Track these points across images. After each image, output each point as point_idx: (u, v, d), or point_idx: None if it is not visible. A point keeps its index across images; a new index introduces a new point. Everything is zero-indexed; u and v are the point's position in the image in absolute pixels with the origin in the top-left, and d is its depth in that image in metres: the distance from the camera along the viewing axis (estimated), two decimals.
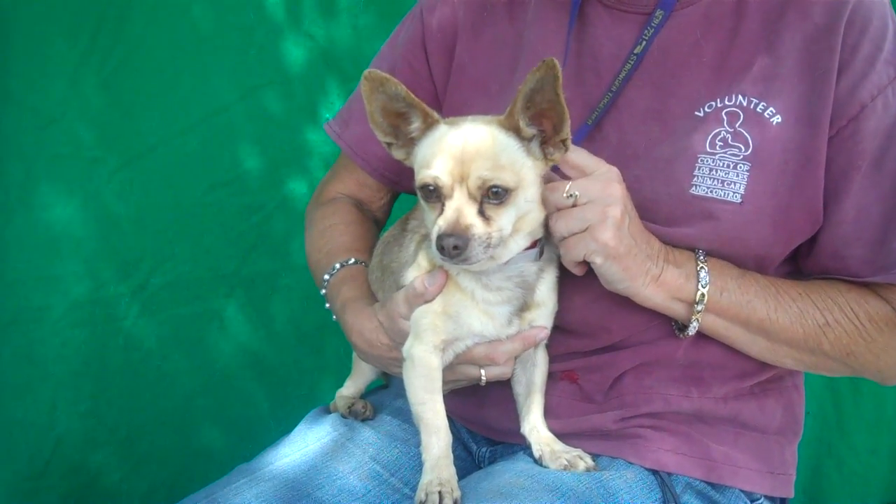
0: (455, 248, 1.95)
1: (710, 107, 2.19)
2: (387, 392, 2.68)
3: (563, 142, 2.03)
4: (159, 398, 3.68)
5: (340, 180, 2.80)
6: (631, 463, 2.22)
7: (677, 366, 2.28)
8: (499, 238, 2.01)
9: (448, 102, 2.51)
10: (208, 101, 3.64)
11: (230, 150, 3.68)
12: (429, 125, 2.10)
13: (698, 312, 2.15)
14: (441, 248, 1.96)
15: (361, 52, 3.64)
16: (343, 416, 2.56)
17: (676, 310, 2.18)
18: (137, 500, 3.64)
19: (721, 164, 2.15)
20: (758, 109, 2.16)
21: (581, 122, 2.26)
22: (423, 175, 2.03)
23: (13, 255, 3.48)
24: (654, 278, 2.12)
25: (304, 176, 3.73)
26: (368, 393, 2.70)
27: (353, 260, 2.52)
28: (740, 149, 2.15)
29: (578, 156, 2.08)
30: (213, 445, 3.73)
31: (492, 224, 1.99)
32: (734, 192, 2.14)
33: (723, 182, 2.14)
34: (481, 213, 1.99)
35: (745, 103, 2.17)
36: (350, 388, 2.66)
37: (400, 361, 2.24)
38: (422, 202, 2.09)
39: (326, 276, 2.51)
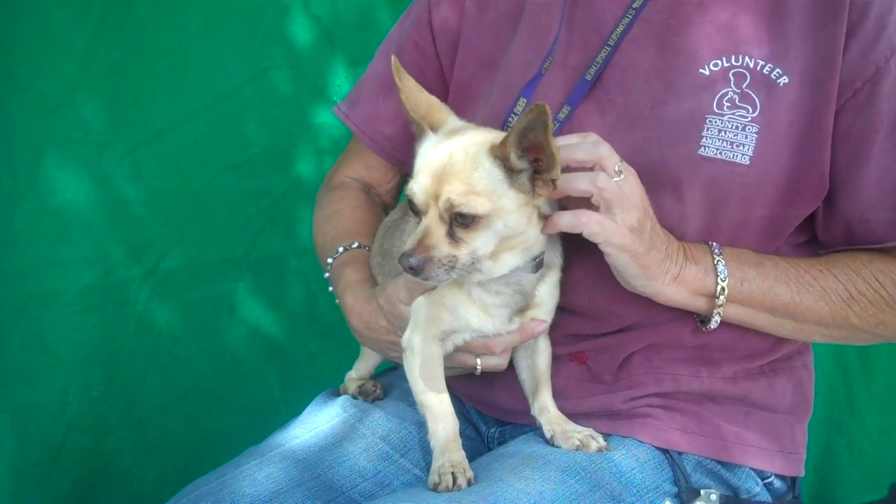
0: (410, 268, 1.96)
1: (715, 65, 2.17)
2: (396, 373, 2.68)
3: (553, 181, 1.98)
4: (170, 382, 3.69)
5: (349, 164, 2.80)
6: (642, 442, 2.22)
7: (686, 347, 2.28)
8: (469, 260, 1.99)
9: (455, 80, 2.51)
10: (216, 84, 3.62)
11: (238, 134, 3.67)
12: (420, 132, 2.13)
13: (719, 306, 2.15)
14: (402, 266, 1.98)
15: (369, 35, 3.61)
16: (353, 398, 2.57)
17: (699, 305, 2.18)
18: (149, 484, 3.64)
19: (730, 126, 2.14)
20: (765, 70, 2.15)
21: (580, 78, 2.25)
22: (407, 188, 2.04)
23: (23, 241, 3.48)
24: (673, 277, 2.12)
25: (312, 159, 3.72)
26: (378, 375, 2.70)
27: (356, 244, 2.52)
28: (748, 110, 2.14)
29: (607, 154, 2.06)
30: (225, 429, 3.73)
31: (461, 246, 1.98)
32: (743, 155, 2.14)
33: (731, 144, 2.14)
34: (452, 233, 1.98)
35: (751, 64, 2.16)
36: (359, 371, 2.66)
37: (397, 346, 2.24)
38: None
39: (330, 260, 2.52)
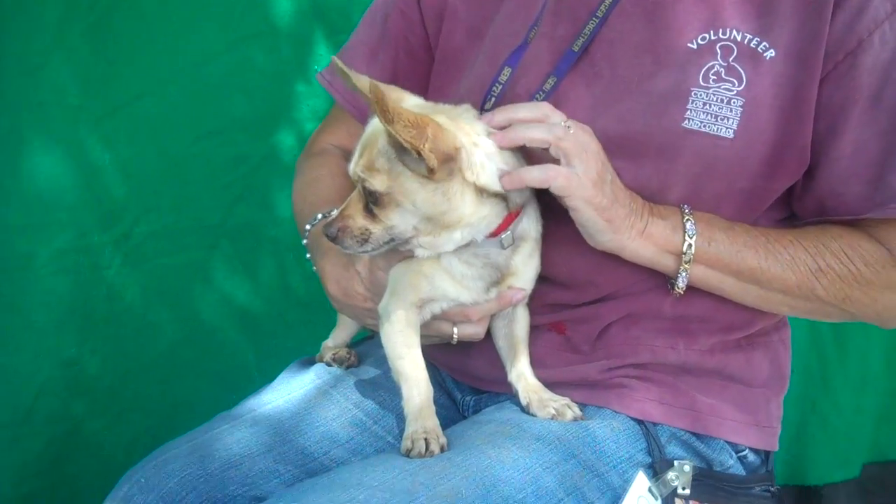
0: (328, 235, 2.05)
1: (703, 39, 2.16)
2: (372, 342, 2.67)
3: (425, 162, 1.96)
4: (143, 348, 3.66)
5: (332, 131, 2.79)
6: (617, 412, 2.21)
7: (664, 318, 2.27)
8: (385, 237, 2.05)
9: (441, 49, 2.50)
10: (195, 50, 3.59)
11: (217, 101, 3.64)
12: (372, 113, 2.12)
13: (686, 263, 2.14)
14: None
15: (351, 4, 3.60)
16: (328, 365, 2.56)
17: (667, 263, 2.17)
18: (120, 449, 3.62)
19: (715, 99, 2.13)
20: (752, 44, 2.14)
21: (567, 49, 2.24)
22: None
23: None
24: (639, 231, 2.11)
25: (291, 127, 3.70)
26: (354, 344, 2.69)
27: (335, 211, 2.50)
28: (734, 83, 2.13)
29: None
30: (197, 396, 3.71)
31: (376, 222, 2.03)
32: (727, 128, 2.12)
33: (716, 117, 2.13)
34: (369, 208, 2.03)
35: (738, 37, 2.14)
36: (335, 339, 2.66)
37: (374, 313, 2.23)
38: None
39: (308, 227, 2.50)
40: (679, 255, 2.14)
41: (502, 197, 2.07)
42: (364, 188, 2.03)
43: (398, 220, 2.03)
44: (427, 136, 1.92)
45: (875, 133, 2.12)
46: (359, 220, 2.04)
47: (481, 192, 2.04)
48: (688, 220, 2.14)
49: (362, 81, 2.09)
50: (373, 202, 2.02)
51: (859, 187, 2.15)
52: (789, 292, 2.18)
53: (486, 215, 2.07)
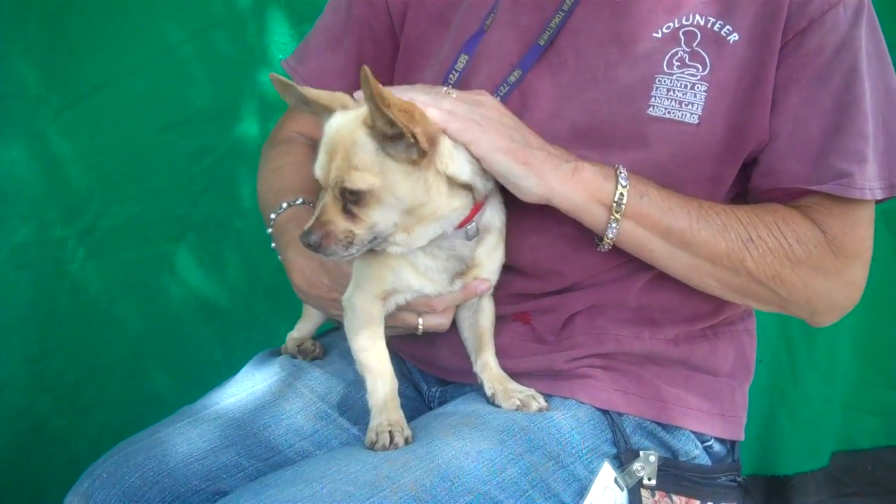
0: (309, 245, 1.97)
1: (668, 27, 2.15)
2: (337, 334, 2.65)
3: (416, 142, 1.92)
4: (107, 343, 3.64)
5: (296, 119, 2.76)
6: (582, 403, 2.20)
7: (629, 307, 2.26)
8: (369, 236, 2.00)
9: (406, 37, 2.48)
10: (158, 39, 3.56)
11: (180, 91, 3.61)
12: (331, 113, 2.08)
13: (617, 213, 2.08)
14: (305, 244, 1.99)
15: None
16: (292, 357, 2.55)
17: (596, 213, 2.09)
18: (86, 445, 3.59)
19: (679, 85, 2.12)
20: (715, 28, 2.14)
21: (533, 42, 2.22)
22: None
23: None
24: (567, 173, 2.05)
25: (255, 118, 3.67)
26: (320, 336, 2.67)
27: (300, 200, 2.48)
28: (698, 69, 2.13)
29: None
30: (164, 391, 3.70)
31: (358, 222, 1.98)
32: (692, 114, 2.12)
33: (680, 103, 2.12)
34: (348, 210, 1.98)
35: (702, 22, 2.14)
36: (300, 331, 2.63)
37: (339, 304, 2.21)
38: None
39: (273, 216, 2.47)
40: (609, 206, 2.08)
41: (468, 188, 2.05)
42: (342, 190, 1.97)
43: (380, 218, 1.99)
44: (416, 120, 1.90)
45: (816, 113, 2.11)
46: (341, 224, 1.98)
47: (451, 182, 2.02)
48: (620, 172, 2.09)
49: (314, 93, 2.08)
50: (353, 202, 1.97)
51: (796, 165, 2.13)
52: (718, 261, 2.13)
53: (457, 207, 2.05)
